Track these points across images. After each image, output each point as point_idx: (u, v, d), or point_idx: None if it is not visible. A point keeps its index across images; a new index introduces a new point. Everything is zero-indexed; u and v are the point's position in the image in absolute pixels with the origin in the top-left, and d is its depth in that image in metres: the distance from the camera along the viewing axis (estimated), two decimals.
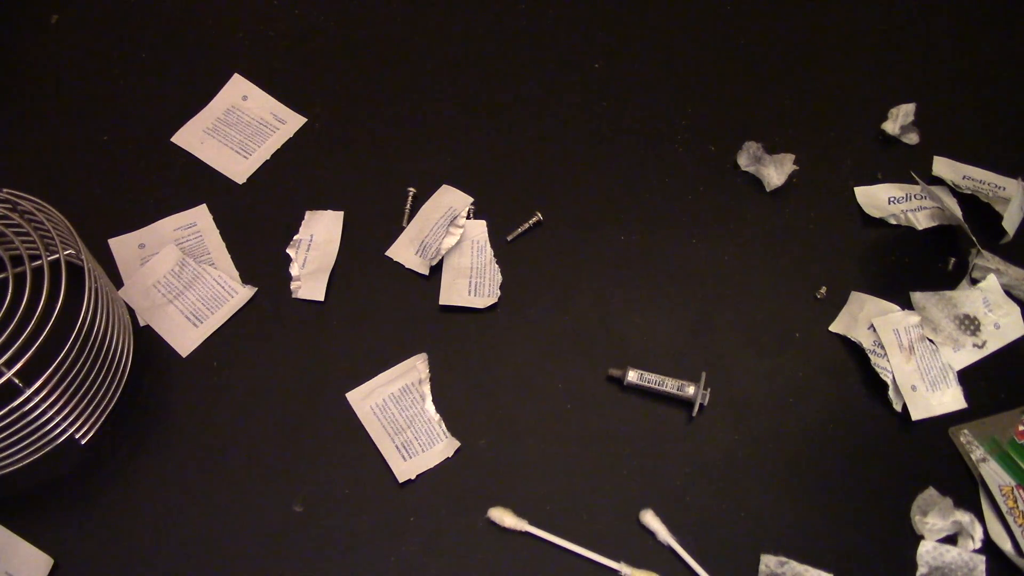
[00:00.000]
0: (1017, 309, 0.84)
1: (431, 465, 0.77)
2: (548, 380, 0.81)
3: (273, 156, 0.93)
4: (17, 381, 0.68)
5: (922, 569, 0.74)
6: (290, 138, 0.94)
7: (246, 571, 0.73)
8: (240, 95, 0.96)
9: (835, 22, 1.03)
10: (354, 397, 0.80)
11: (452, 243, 0.86)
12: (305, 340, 0.83)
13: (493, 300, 0.84)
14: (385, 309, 0.84)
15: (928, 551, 0.74)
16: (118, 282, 0.85)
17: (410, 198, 0.90)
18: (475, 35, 1.01)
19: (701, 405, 0.79)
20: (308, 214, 0.89)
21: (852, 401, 0.81)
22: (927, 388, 0.80)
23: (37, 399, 0.70)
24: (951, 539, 0.75)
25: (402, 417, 0.79)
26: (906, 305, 0.84)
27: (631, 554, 0.74)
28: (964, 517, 0.74)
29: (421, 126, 0.95)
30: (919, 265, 0.88)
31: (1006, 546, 0.74)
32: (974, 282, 0.85)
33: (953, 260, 0.88)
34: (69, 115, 0.95)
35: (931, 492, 0.76)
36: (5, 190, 0.74)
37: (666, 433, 0.79)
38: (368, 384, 0.81)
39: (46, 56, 0.99)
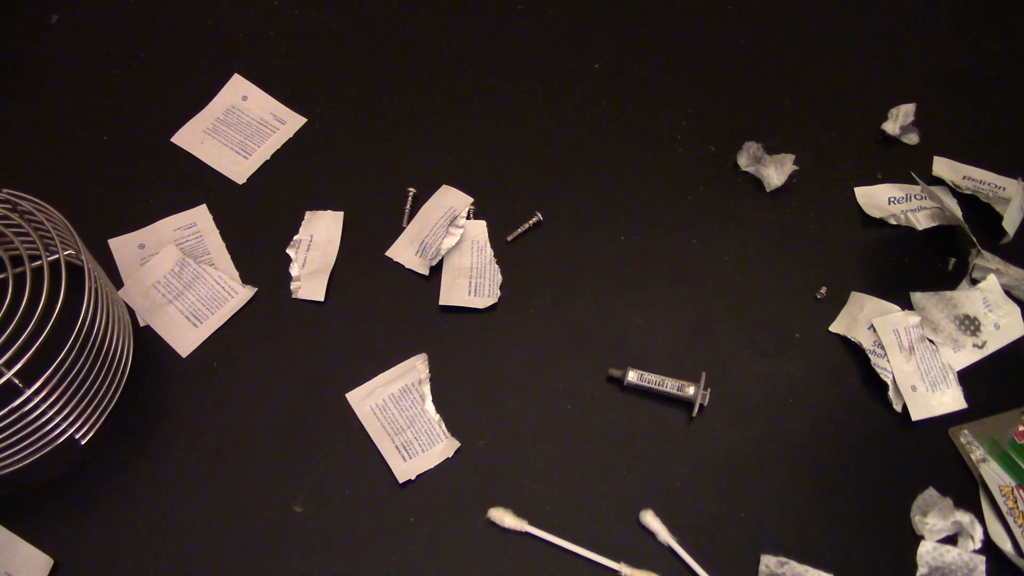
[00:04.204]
0: (1017, 309, 0.84)
1: (431, 465, 0.77)
2: (548, 380, 0.81)
3: (273, 156, 0.93)
4: (17, 381, 0.68)
5: (922, 569, 0.74)
6: (290, 138, 0.94)
7: (246, 571, 0.73)
8: (240, 95, 0.96)
9: (835, 22, 1.03)
10: (354, 397, 0.80)
11: (452, 243, 0.86)
12: (305, 340, 0.83)
13: (493, 300, 0.84)
14: (385, 309, 0.84)
15: (928, 551, 0.74)
16: (118, 282, 0.85)
17: (410, 198, 0.90)
18: (475, 35, 1.01)
19: (701, 405, 0.79)
20: (308, 214, 0.89)
21: (852, 401, 0.81)
22: (927, 388, 0.80)
23: (37, 399, 0.70)
24: (951, 539, 0.75)
25: (402, 417, 0.79)
26: (906, 305, 0.84)
27: (631, 554, 0.74)
28: (964, 517, 0.74)
29: (421, 126, 0.95)
30: (919, 265, 0.88)
31: (1006, 546, 0.74)
32: (974, 282, 0.85)
33: (953, 260, 0.88)
34: (69, 115, 0.95)
35: (931, 492, 0.76)
36: (5, 190, 0.74)
37: (666, 433, 0.79)
38: (368, 384, 0.81)
39: (46, 56, 0.99)
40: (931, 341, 0.82)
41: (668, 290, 0.86)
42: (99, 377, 0.75)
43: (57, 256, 0.73)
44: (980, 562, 0.73)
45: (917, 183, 0.89)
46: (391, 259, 0.87)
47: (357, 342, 0.83)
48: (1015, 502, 0.75)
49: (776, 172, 0.90)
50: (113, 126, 0.94)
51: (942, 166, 0.92)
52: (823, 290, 0.86)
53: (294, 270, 0.86)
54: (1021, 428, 0.79)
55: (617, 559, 0.73)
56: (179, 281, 0.85)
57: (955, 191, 0.91)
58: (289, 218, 0.89)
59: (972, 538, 0.74)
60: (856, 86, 0.99)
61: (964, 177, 0.92)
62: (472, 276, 0.86)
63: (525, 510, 0.75)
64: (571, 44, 1.01)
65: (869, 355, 0.81)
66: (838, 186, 0.92)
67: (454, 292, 0.85)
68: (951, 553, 0.74)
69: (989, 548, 0.74)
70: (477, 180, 0.91)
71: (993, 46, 1.02)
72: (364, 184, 0.91)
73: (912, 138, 0.94)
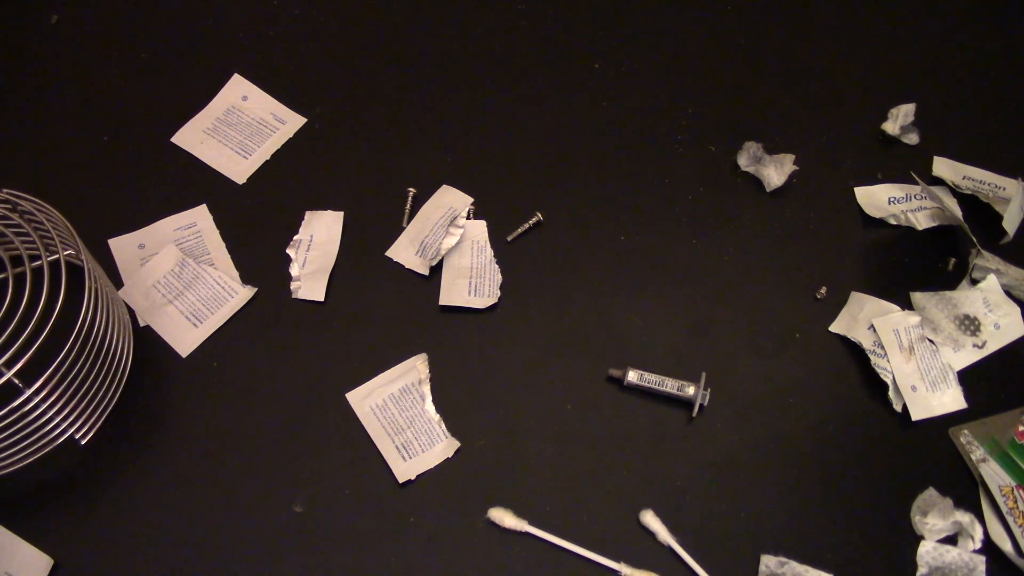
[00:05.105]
0: (1017, 309, 0.84)
1: (431, 465, 0.77)
2: (548, 380, 0.81)
3: (273, 156, 0.93)
4: (17, 381, 0.68)
5: (922, 569, 0.74)
6: (290, 138, 0.94)
7: (246, 571, 0.73)
8: (240, 95, 0.96)
9: (835, 22, 1.03)
10: (354, 397, 0.80)
11: (452, 243, 0.86)
12: (305, 340, 0.83)
13: (493, 300, 0.84)
14: (385, 309, 0.84)
15: (928, 551, 0.74)
16: (118, 282, 0.85)
17: (410, 198, 0.90)
18: (475, 35, 1.01)
19: (701, 405, 0.79)
20: (308, 214, 0.89)
21: (852, 401, 0.81)
22: (927, 388, 0.80)
23: (37, 399, 0.70)
24: (951, 539, 0.75)
25: (402, 417, 0.79)
26: (906, 305, 0.84)
27: (631, 554, 0.74)
28: (964, 517, 0.74)
29: (421, 126, 0.95)
30: (919, 265, 0.88)
31: (1006, 546, 0.74)
32: (974, 282, 0.85)
33: (953, 260, 0.88)
34: (69, 115, 0.95)
35: (931, 492, 0.76)
36: (5, 190, 0.74)
37: (666, 433, 0.79)
38: (368, 384, 0.81)
39: (46, 56, 0.99)
40: (931, 341, 0.82)
41: (668, 290, 0.86)
42: (99, 377, 0.75)
43: (57, 256, 0.73)
44: (980, 562, 0.73)
45: (917, 183, 0.89)
46: (391, 259, 0.87)
47: (357, 342, 0.83)
48: (1015, 502, 0.75)
49: (776, 172, 0.90)
50: (113, 126, 0.94)
51: (942, 166, 0.92)
52: (823, 290, 0.86)
53: (294, 270, 0.86)
54: (1021, 428, 0.79)
55: (617, 559, 0.73)
56: (179, 281, 0.85)
57: (955, 191, 0.91)
58: (289, 218, 0.89)
59: (972, 538, 0.74)
60: (856, 86, 0.99)
61: (964, 177, 0.92)
62: (472, 276, 0.86)
63: (525, 510, 0.75)
64: (571, 44, 1.01)
65: (869, 355, 0.81)
66: (838, 186, 0.92)
67: (454, 292, 0.85)
68: (951, 553, 0.74)
69: (989, 548, 0.74)
70: (477, 180, 0.91)
71: (993, 46, 1.02)
72: (364, 184, 0.91)
73: (912, 138, 0.94)
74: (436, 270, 0.86)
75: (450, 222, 0.87)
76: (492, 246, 0.87)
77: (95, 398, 0.75)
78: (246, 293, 0.85)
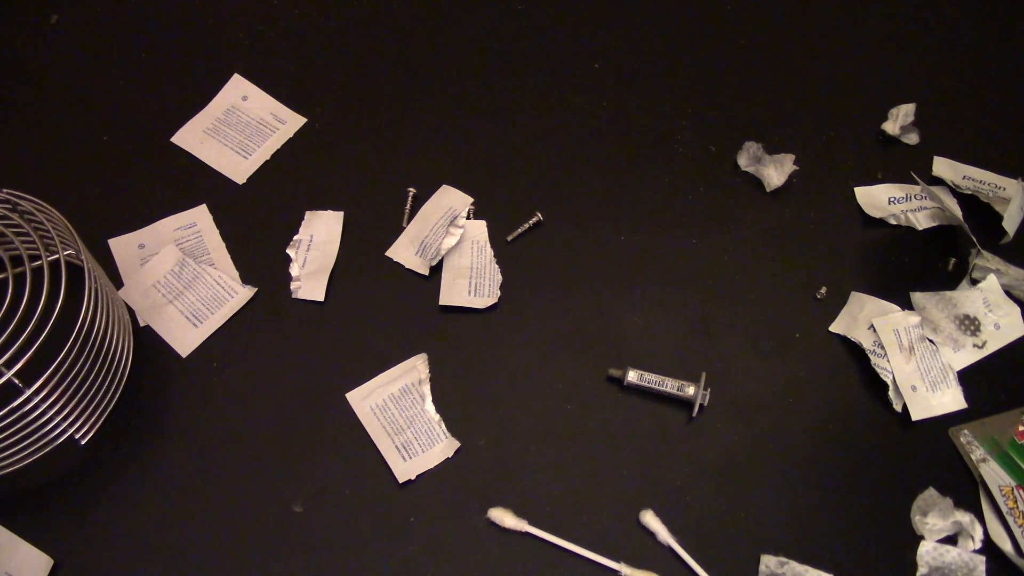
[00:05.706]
0: (1017, 309, 0.84)
1: (431, 465, 0.77)
2: (548, 380, 0.81)
3: (273, 156, 0.93)
4: (17, 381, 0.68)
5: (922, 569, 0.74)
6: (290, 138, 0.94)
7: (246, 571, 0.73)
8: (240, 95, 0.96)
9: (835, 22, 1.03)
10: (354, 397, 0.80)
11: (452, 243, 0.86)
12: (305, 340, 0.83)
13: (493, 300, 0.84)
14: (385, 309, 0.84)
15: (928, 551, 0.74)
16: (118, 282, 0.85)
17: (410, 198, 0.90)
18: (475, 35, 1.01)
19: (701, 405, 0.79)
20: (308, 214, 0.89)
21: (852, 401, 0.81)
22: (927, 388, 0.80)
23: (37, 399, 0.70)
24: (951, 539, 0.75)
25: (402, 417, 0.79)
26: (906, 305, 0.84)
27: (631, 554, 0.74)
28: (964, 517, 0.74)
29: (421, 126, 0.95)
30: (919, 265, 0.88)
31: (1006, 546, 0.74)
32: (974, 282, 0.85)
33: (953, 260, 0.88)
34: (69, 115, 0.95)
35: (931, 492, 0.76)
36: (5, 190, 0.74)
37: (666, 433, 0.79)
38: (368, 384, 0.81)
39: (46, 56, 0.99)
40: (931, 341, 0.82)
41: (668, 290, 0.86)
42: (99, 377, 0.75)
43: (57, 256, 0.73)
44: (980, 562, 0.73)
45: (917, 183, 0.89)
46: (391, 259, 0.87)
47: (357, 342, 0.83)
48: (1015, 502, 0.75)
49: (776, 172, 0.90)
50: (113, 126, 0.94)
51: (942, 166, 0.92)
52: (823, 290, 0.86)
53: (294, 270, 0.86)
54: (1021, 428, 0.79)
55: (617, 559, 0.73)
56: (179, 281, 0.85)
57: (955, 191, 0.91)
58: (289, 218, 0.89)
59: (972, 538, 0.74)
60: (856, 86, 0.99)
61: (964, 177, 0.92)
62: (472, 276, 0.86)
63: (525, 510, 0.75)
64: (571, 44, 1.01)
65: (869, 355, 0.81)
66: (838, 186, 0.92)
67: (454, 292, 0.85)
68: (951, 553, 0.74)
69: (989, 548, 0.74)
70: (477, 180, 0.91)
71: (993, 46, 1.02)
72: (364, 184, 0.91)
73: (912, 138, 0.94)
74: (436, 270, 0.86)
75: (450, 222, 0.87)
76: (492, 246, 0.87)
77: (95, 398, 0.75)
78: (246, 293, 0.85)
